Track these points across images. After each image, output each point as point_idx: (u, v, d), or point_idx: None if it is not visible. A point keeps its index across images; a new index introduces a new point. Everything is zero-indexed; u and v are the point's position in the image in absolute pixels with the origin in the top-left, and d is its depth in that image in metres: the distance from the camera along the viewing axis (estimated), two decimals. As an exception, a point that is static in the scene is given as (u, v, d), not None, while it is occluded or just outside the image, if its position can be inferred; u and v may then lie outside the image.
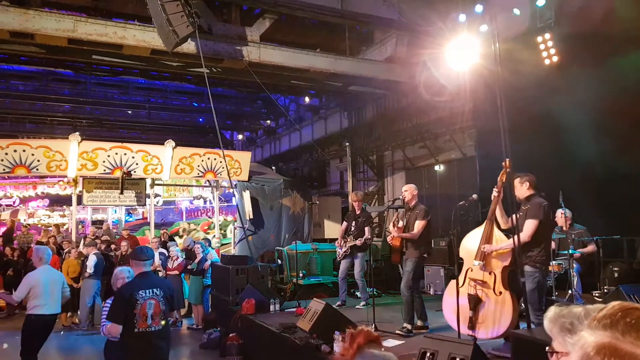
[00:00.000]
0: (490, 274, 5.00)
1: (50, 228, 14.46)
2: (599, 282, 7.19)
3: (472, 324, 4.95)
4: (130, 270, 4.51)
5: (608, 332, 1.03)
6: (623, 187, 7.58)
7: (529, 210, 5.00)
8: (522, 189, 5.17)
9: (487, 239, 5.08)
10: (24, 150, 10.76)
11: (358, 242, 7.83)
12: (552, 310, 1.45)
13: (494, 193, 5.16)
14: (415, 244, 6.32)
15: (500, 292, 4.89)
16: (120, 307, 4.10)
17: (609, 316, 1.06)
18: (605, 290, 7.04)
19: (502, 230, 5.17)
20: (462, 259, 5.40)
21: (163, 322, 4.21)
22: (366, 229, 7.96)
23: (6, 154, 10.64)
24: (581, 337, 1.09)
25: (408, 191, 6.54)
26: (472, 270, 5.14)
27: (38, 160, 10.88)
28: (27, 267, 10.37)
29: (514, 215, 4.92)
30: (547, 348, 1.45)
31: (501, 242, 5.01)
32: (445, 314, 5.40)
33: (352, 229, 8.13)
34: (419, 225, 6.27)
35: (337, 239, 8.67)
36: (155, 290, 4.19)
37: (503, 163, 5.03)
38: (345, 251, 8.09)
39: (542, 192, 5.31)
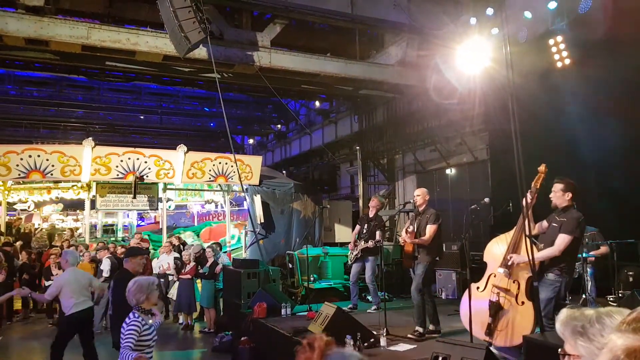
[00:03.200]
0: (514, 282, 4.89)
1: (65, 232, 14.62)
2: (614, 286, 7.11)
3: (490, 331, 4.89)
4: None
5: (638, 335, 1.03)
6: (638, 190, 7.50)
7: (564, 224, 4.73)
8: (563, 198, 4.84)
9: (515, 247, 4.95)
10: (38, 156, 10.92)
11: (370, 244, 7.82)
12: (563, 313, 1.45)
13: (527, 199, 4.87)
14: (427, 249, 6.29)
15: (523, 302, 4.79)
16: None
17: (638, 319, 1.06)
18: (620, 295, 6.96)
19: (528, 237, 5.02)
20: (483, 262, 5.33)
21: None
22: (377, 232, 7.95)
23: (21, 159, 10.80)
24: (610, 339, 1.09)
25: (420, 195, 6.52)
26: (495, 277, 5.05)
27: (52, 166, 11.03)
28: (42, 270, 10.49)
29: (543, 222, 4.84)
30: (559, 350, 1.46)
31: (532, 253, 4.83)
32: (463, 318, 5.33)
33: (364, 232, 8.13)
34: (430, 229, 6.24)
35: (348, 242, 8.67)
36: None
37: (539, 168, 4.93)
38: (356, 254, 8.09)
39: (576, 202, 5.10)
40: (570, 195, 4.84)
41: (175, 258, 10.18)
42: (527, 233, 4.76)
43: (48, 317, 10.14)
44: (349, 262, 8.48)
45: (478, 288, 5.09)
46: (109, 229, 17.80)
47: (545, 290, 4.71)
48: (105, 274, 9.27)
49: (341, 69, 11.51)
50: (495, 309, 4.88)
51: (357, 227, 8.44)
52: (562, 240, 4.69)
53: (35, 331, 9.65)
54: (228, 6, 10.96)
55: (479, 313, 4.89)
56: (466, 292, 5.37)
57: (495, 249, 5.17)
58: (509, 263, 4.90)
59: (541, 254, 4.72)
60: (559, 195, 4.86)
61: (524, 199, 4.85)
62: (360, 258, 8.10)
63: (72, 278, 6.19)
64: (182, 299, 9.53)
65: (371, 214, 8.24)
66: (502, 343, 4.83)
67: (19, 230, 13.17)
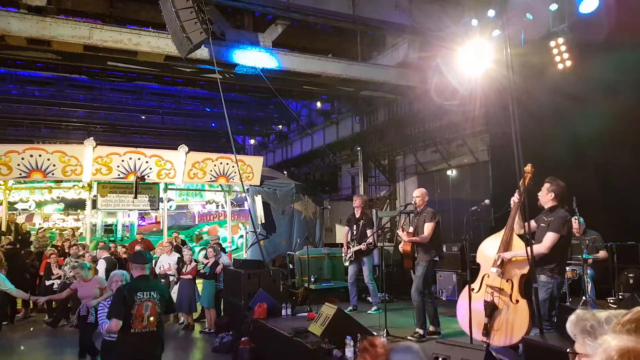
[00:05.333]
0: (507, 281, 4.93)
1: (66, 232, 14.65)
2: (614, 288, 7.11)
3: (487, 331, 4.90)
4: (125, 274, 4.60)
5: (632, 336, 1.04)
6: (638, 193, 7.50)
7: (551, 223, 4.87)
8: (546, 198, 5.01)
9: (506, 246, 5.00)
10: (39, 155, 10.93)
11: (363, 247, 7.83)
12: (575, 314, 1.48)
13: (514, 199, 5.05)
14: (425, 248, 6.30)
15: (517, 300, 4.83)
16: (120, 304, 4.20)
17: (633, 321, 1.07)
18: (620, 297, 6.95)
19: (519, 236, 5.09)
20: (478, 264, 5.35)
21: (157, 324, 4.35)
22: (368, 232, 7.95)
23: (22, 158, 10.82)
24: (604, 340, 1.09)
25: (420, 197, 6.53)
26: (488, 277, 5.08)
27: (54, 165, 11.05)
28: (43, 269, 10.50)
29: (531, 222, 4.87)
30: (568, 350, 1.47)
31: (520, 249, 4.90)
32: (460, 319, 5.35)
33: (355, 233, 8.14)
34: (428, 227, 6.26)
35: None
36: (152, 292, 4.31)
37: (525, 168, 4.97)
38: (350, 257, 8.10)
39: (566, 204, 5.15)
40: (552, 195, 4.99)
41: (178, 259, 10.19)
42: (524, 232, 4.81)
43: (48, 317, 10.13)
44: (345, 264, 8.49)
45: (473, 289, 5.11)
46: (108, 229, 17.81)
47: (540, 292, 4.74)
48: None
49: (343, 70, 11.52)
50: (491, 309, 4.91)
51: (347, 228, 8.45)
52: (549, 237, 4.81)
53: (35, 330, 9.66)
54: (230, 7, 10.97)
55: (476, 314, 4.91)
56: (461, 294, 5.40)
57: (487, 250, 5.21)
58: (499, 261, 4.94)
59: (529, 250, 4.76)
60: (543, 194, 5.04)
61: (512, 199, 5.03)
62: (355, 260, 8.10)
63: None
64: (183, 298, 9.53)
65: (357, 214, 8.25)
66: (501, 343, 4.84)
67: (17, 228, 13.18)
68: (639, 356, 0.99)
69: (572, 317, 1.46)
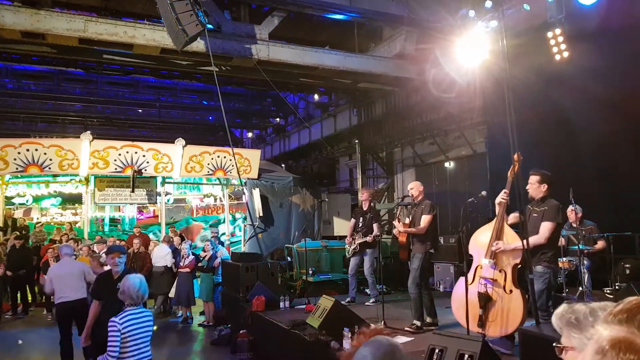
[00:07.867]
0: (500, 271, 4.93)
1: (64, 226, 14.63)
2: (611, 278, 7.14)
3: (482, 322, 4.91)
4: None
5: (624, 326, 1.04)
6: (634, 183, 7.51)
7: (545, 212, 4.86)
8: (539, 190, 4.99)
9: (498, 236, 5.00)
10: (36, 150, 10.91)
11: (369, 239, 7.84)
12: (560, 307, 1.49)
13: (502, 197, 5.01)
14: (421, 240, 6.31)
15: (511, 291, 4.83)
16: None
17: (625, 311, 1.07)
18: (616, 287, 6.99)
19: (511, 226, 5.09)
20: (471, 256, 5.36)
21: None
22: (374, 225, 7.96)
23: (19, 153, 10.79)
24: (596, 331, 1.10)
25: (414, 189, 6.54)
26: (481, 268, 5.09)
27: (50, 159, 11.02)
28: (40, 264, 10.49)
29: (515, 213, 4.88)
30: (554, 343, 1.48)
31: (512, 239, 4.90)
32: (455, 311, 5.36)
33: (360, 225, 8.15)
34: (424, 220, 6.26)
35: (346, 236, 8.68)
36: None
37: (514, 156, 4.96)
38: (354, 248, 8.11)
39: (555, 191, 5.17)
40: (546, 186, 4.99)
41: (168, 247, 10.20)
42: (520, 223, 4.80)
43: (48, 312, 10.14)
44: (347, 256, 8.49)
45: (466, 281, 5.12)
46: (114, 225, 17.83)
47: (536, 282, 4.78)
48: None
49: (340, 62, 11.48)
50: (485, 301, 4.91)
51: (353, 220, 8.45)
52: (547, 227, 4.81)
53: (35, 325, 9.68)
54: (226, -1, 10.92)
55: (470, 305, 4.91)
56: (456, 285, 5.41)
57: (479, 241, 5.20)
58: (494, 249, 4.93)
59: (524, 241, 4.76)
60: (535, 187, 5.01)
61: (497, 200, 5.03)
62: (358, 251, 8.12)
63: (62, 269, 6.35)
64: (181, 292, 9.55)
65: (365, 207, 8.26)
66: (496, 333, 4.85)
67: (14, 223, 13.17)
68: (630, 346, 0.99)
69: (557, 311, 1.48)
